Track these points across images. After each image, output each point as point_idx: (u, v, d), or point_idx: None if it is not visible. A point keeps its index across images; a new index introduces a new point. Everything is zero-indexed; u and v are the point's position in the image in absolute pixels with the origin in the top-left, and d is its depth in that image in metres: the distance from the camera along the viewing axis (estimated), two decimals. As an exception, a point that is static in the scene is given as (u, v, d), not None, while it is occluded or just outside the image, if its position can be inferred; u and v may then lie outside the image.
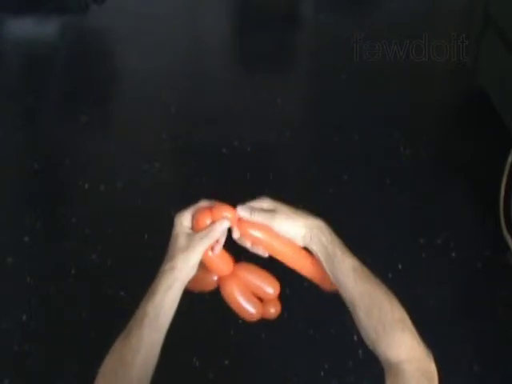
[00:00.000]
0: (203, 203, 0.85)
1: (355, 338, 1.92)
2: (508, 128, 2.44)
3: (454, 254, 2.25)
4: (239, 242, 0.87)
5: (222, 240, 0.85)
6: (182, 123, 2.90)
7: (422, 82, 3.20)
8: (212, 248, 0.84)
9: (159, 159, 2.66)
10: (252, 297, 0.88)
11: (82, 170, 2.63)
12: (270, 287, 0.89)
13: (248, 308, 0.87)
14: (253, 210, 0.84)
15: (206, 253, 0.83)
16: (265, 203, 0.85)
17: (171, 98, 3.02)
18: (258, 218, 0.83)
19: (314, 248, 0.84)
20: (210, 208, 0.83)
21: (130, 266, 2.16)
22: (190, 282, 0.85)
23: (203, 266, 0.86)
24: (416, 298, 2.08)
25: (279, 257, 0.87)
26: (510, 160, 2.26)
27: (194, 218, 0.83)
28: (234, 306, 0.87)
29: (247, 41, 3.70)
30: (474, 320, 2.04)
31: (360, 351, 1.88)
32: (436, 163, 2.68)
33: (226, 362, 1.90)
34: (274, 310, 0.90)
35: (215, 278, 0.88)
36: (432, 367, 0.75)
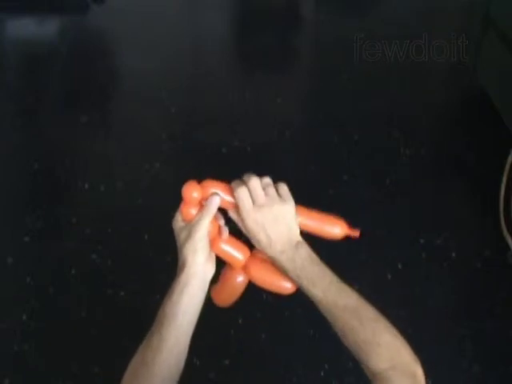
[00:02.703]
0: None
1: (355, 337, 1.92)
2: (508, 128, 2.44)
3: (453, 254, 2.25)
4: None
5: (222, 221, 0.85)
6: (182, 123, 2.90)
7: (422, 81, 3.20)
8: (219, 233, 0.84)
9: (159, 159, 2.66)
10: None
11: (82, 170, 2.63)
12: None
13: (284, 283, 0.86)
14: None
15: (217, 244, 0.83)
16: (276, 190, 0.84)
17: (171, 98, 3.02)
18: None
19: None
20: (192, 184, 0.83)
21: (130, 265, 2.16)
22: (220, 293, 0.85)
23: (226, 270, 0.87)
24: (416, 298, 2.08)
25: None
26: (510, 160, 2.27)
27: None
28: (268, 285, 0.87)
29: (247, 40, 3.70)
30: (473, 320, 2.04)
31: (360, 351, 1.88)
32: (436, 163, 2.68)
33: (226, 362, 1.90)
34: None
35: (241, 278, 0.88)
36: (419, 371, 0.73)
